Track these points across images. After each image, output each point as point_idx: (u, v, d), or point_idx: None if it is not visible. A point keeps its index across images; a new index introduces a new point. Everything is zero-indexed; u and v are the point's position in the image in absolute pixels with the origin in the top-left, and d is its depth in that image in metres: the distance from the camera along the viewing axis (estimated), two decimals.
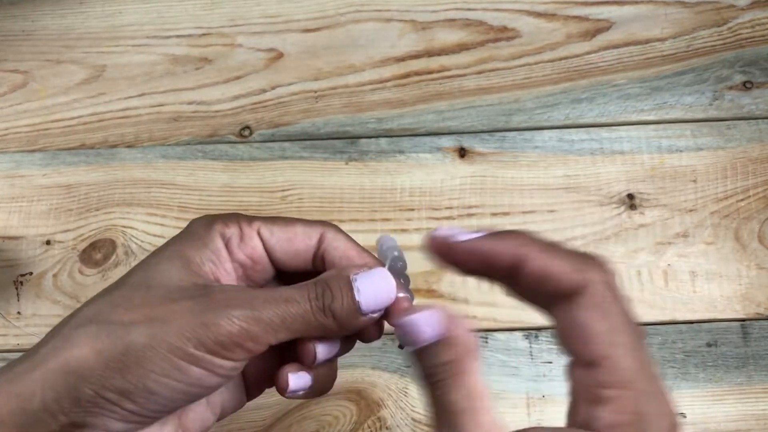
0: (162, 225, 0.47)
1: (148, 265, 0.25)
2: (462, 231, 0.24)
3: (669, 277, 0.44)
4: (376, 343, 0.36)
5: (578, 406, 0.21)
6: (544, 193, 0.47)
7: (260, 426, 0.43)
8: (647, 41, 0.50)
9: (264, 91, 0.50)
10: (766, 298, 0.44)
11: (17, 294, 0.46)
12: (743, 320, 0.43)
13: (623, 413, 0.20)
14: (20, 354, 0.23)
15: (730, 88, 0.49)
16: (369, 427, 0.42)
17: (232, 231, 0.26)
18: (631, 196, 0.46)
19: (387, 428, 0.42)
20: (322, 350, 0.25)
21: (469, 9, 0.52)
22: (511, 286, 0.24)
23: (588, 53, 0.50)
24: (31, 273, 0.46)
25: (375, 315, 0.25)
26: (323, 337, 0.25)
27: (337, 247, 0.26)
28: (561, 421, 0.22)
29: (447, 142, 0.48)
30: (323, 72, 0.51)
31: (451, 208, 0.47)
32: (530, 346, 0.43)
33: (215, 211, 0.47)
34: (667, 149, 0.47)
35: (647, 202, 0.46)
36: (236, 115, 0.50)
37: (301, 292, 0.24)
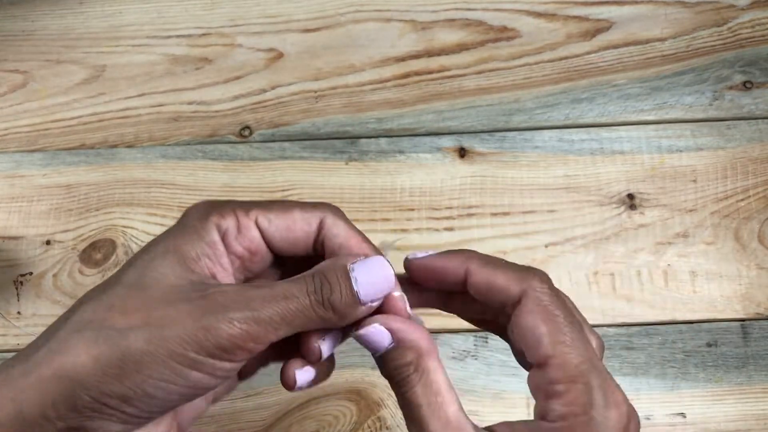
0: (162, 225, 0.47)
1: (142, 261, 0.24)
2: (419, 251, 0.27)
3: (669, 277, 0.44)
4: None
5: (537, 403, 0.23)
6: (544, 193, 0.47)
7: (260, 426, 0.42)
8: (647, 41, 0.50)
9: (264, 91, 0.50)
10: (766, 298, 0.44)
11: (17, 294, 0.46)
12: (743, 320, 0.43)
13: (572, 405, 0.22)
14: None
15: (730, 88, 0.49)
16: (369, 427, 0.42)
17: (228, 223, 0.25)
18: (631, 196, 0.46)
19: (387, 428, 0.42)
20: (326, 347, 0.25)
21: (469, 9, 0.52)
22: (464, 304, 0.27)
23: (588, 53, 0.50)
24: (31, 273, 0.46)
25: (375, 304, 0.25)
26: (324, 330, 0.25)
27: (337, 234, 0.26)
28: None
29: (447, 142, 0.48)
30: (323, 72, 0.51)
31: (451, 208, 0.47)
32: None
33: None
34: (667, 149, 0.47)
35: (647, 202, 0.46)
36: (236, 115, 0.50)
37: (300, 287, 0.24)
